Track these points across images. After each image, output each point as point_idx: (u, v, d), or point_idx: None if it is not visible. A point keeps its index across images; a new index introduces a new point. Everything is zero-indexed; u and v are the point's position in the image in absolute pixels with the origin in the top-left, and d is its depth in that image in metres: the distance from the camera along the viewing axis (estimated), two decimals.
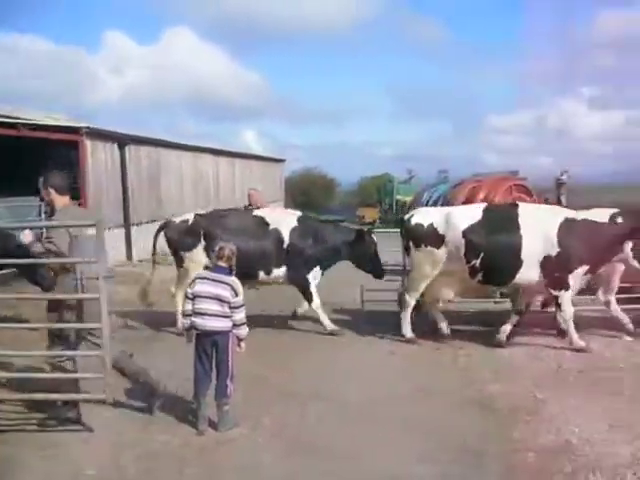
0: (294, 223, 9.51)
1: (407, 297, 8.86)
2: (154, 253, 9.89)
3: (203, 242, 9.26)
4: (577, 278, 8.26)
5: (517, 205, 8.75)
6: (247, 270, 8.69)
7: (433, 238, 8.57)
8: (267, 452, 5.33)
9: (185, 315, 5.87)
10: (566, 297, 8.29)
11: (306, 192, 41.36)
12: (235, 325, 5.76)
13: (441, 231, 8.56)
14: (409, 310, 8.87)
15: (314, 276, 9.49)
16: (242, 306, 5.77)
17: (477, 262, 8.38)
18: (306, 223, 9.66)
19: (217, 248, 5.91)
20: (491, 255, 8.29)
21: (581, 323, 8.74)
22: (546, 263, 8.19)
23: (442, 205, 15.22)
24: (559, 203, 11.85)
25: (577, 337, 8.32)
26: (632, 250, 8.48)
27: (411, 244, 8.81)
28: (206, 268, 6.37)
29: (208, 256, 8.91)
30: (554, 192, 12.36)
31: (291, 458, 5.22)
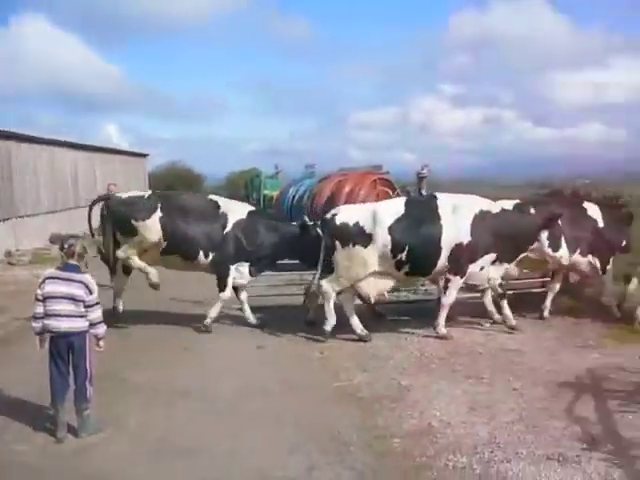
0: (243, 215, 9.50)
1: (328, 288, 8.69)
2: (91, 230, 9.80)
3: (160, 213, 9.15)
4: (486, 265, 8.65)
5: (436, 197, 8.91)
6: (189, 250, 9.14)
7: (361, 236, 8.52)
8: (132, 456, 5.14)
9: (36, 318, 5.49)
10: (457, 283, 8.62)
11: (171, 186, 40.37)
12: (92, 324, 5.50)
13: (368, 229, 8.52)
14: (331, 302, 8.73)
15: (240, 270, 9.39)
16: (98, 304, 5.52)
17: (403, 255, 8.45)
18: (254, 218, 9.60)
19: (67, 245, 5.56)
20: (415, 248, 8.39)
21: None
22: (456, 250, 8.46)
23: (308, 199, 15.45)
24: (420, 196, 12.24)
25: (443, 325, 8.67)
26: (548, 239, 9.11)
27: (337, 243, 8.65)
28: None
29: (163, 231, 9.01)
30: (415, 186, 12.77)
31: (158, 461, 5.05)
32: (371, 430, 5.57)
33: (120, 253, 9.15)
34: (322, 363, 7.70)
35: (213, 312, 9.32)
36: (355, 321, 8.72)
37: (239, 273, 9.41)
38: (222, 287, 9.37)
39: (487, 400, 6.18)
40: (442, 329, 8.63)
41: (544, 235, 9.09)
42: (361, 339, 8.58)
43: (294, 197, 17.00)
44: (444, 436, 5.38)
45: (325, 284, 8.66)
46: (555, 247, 9.34)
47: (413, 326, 9.13)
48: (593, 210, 9.79)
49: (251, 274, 9.52)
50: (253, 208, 10.18)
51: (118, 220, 9.22)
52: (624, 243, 9.87)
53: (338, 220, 8.66)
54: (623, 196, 12.54)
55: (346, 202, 12.33)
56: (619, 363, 7.31)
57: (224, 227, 9.33)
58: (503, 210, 8.86)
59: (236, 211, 9.56)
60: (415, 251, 8.40)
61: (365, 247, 8.46)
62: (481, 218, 8.56)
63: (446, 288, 8.66)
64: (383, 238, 8.41)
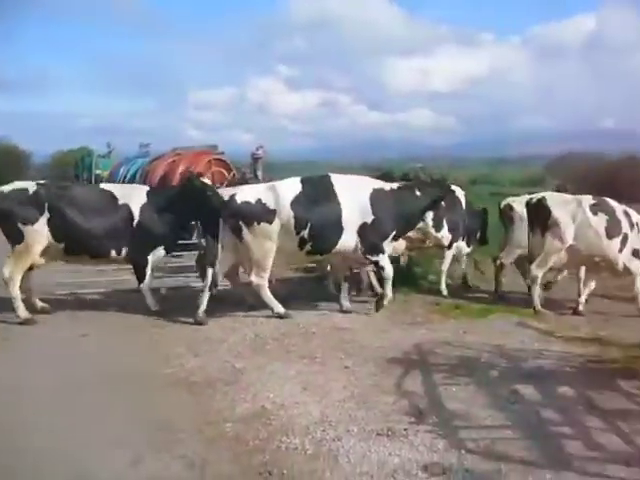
0: (144, 198, 8.89)
1: (259, 280, 8.55)
2: None
3: (47, 214, 8.35)
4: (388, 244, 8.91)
5: (329, 176, 8.88)
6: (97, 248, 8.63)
7: (265, 214, 8.36)
8: None
9: None
10: (386, 259, 8.81)
11: None
12: None
13: (271, 206, 8.38)
14: (268, 293, 8.64)
15: (157, 255, 8.95)
16: None
17: (305, 233, 8.45)
18: (155, 197, 9.01)
19: None
20: (316, 226, 8.43)
21: (280, 291, 9.10)
22: (363, 229, 8.61)
23: (140, 178, 14.89)
24: (255, 177, 12.15)
25: (391, 294, 8.89)
26: (433, 220, 9.59)
27: (241, 223, 8.39)
28: None
29: (52, 232, 8.31)
30: (251, 167, 12.65)
31: None
32: (203, 416, 5.38)
33: (4, 271, 8.29)
34: (152, 349, 7.37)
35: (150, 303, 8.89)
36: (271, 298, 8.68)
37: (156, 258, 8.97)
38: (142, 277, 8.88)
39: (320, 379, 6.19)
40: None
41: (430, 215, 9.46)
42: (280, 316, 8.56)
43: (125, 177, 16.31)
44: (277, 418, 5.31)
45: (254, 278, 8.53)
46: (438, 227, 9.85)
47: (247, 308, 9.01)
48: (459, 193, 10.54)
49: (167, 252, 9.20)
50: (148, 187, 9.71)
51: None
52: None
53: (239, 199, 8.46)
54: (448, 179, 13.17)
55: (181, 182, 11.96)
56: (445, 338, 7.65)
57: (131, 218, 8.74)
58: (394, 189, 9.08)
59: (135, 196, 8.94)
60: (317, 229, 8.47)
61: (270, 223, 8.39)
62: (376, 196, 8.76)
63: (380, 268, 8.84)
64: (286, 215, 8.40)
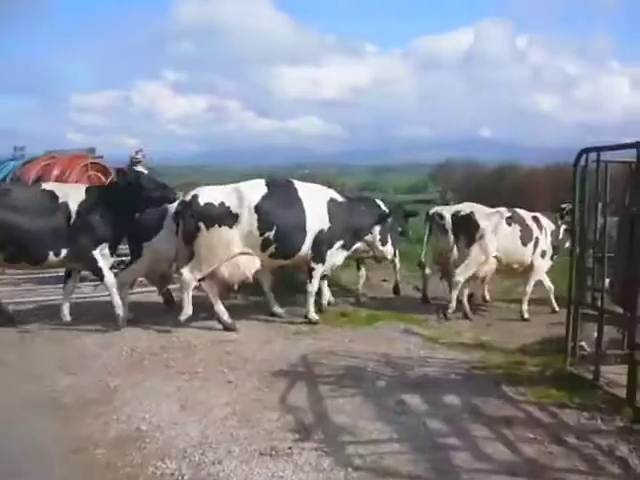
0: (82, 195, 8.32)
1: (190, 277, 8.24)
2: None
3: None
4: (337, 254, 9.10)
5: (292, 182, 8.98)
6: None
7: (227, 217, 8.25)
8: None
9: None
10: (319, 271, 8.89)
11: None
12: None
13: (234, 209, 8.26)
14: (190, 291, 8.31)
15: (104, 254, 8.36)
16: None
17: (270, 235, 8.41)
18: (94, 193, 8.46)
19: None
20: (282, 229, 8.43)
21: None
22: (318, 236, 8.69)
23: (12, 181, 13.94)
24: None
25: (313, 311, 8.90)
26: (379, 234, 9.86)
27: (201, 225, 8.16)
28: None
29: None
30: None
31: None
32: (72, 442, 4.92)
33: None
34: (18, 368, 6.76)
35: (116, 303, 8.23)
36: (220, 308, 8.49)
37: (104, 257, 8.36)
38: (100, 275, 8.31)
39: (201, 396, 5.85)
40: (313, 315, 8.85)
41: (377, 228, 9.76)
42: (227, 328, 8.36)
43: None
44: (153, 440, 4.93)
45: (186, 273, 8.24)
46: (384, 241, 10.02)
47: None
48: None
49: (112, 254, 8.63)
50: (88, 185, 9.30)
51: None
52: None
53: (201, 201, 8.29)
54: (336, 186, 13.15)
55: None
56: (330, 347, 7.50)
57: (69, 217, 8.15)
58: (347, 200, 9.35)
59: (73, 194, 8.32)
60: (281, 232, 8.46)
61: (231, 228, 8.29)
62: (332, 206, 8.91)
63: (311, 277, 8.83)
64: (250, 217, 8.32)
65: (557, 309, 9.90)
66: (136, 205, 8.49)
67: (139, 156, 11.74)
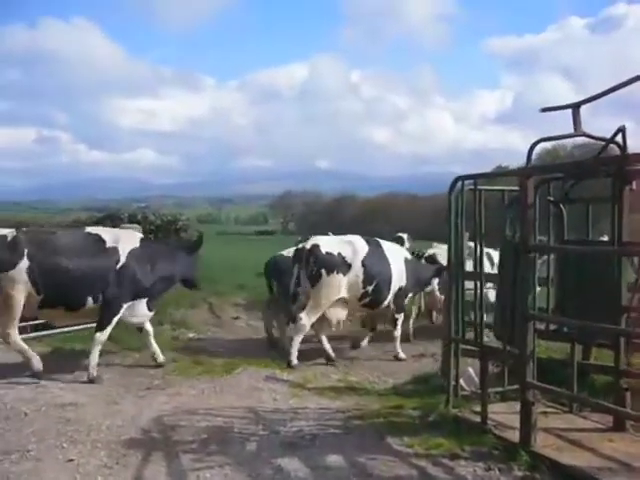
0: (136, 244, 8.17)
1: (307, 320, 8.94)
2: None
3: (27, 261, 7.39)
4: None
5: (379, 241, 9.96)
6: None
7: (343, 265, 9.23)
8: None
9: None
10: (401, 319, 10.15)
11: None
12: None
13: (349, 260, 9.25)
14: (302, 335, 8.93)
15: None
16: None
17: (370, 288, 9.38)
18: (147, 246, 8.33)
19: None
20: (379, 283, 9.47)
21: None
22: (398, 292, 9.87)
23: None
24: None
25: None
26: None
27: (322, 271, 9.03)
28: None
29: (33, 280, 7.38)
30: None
31: None
32: None
33: None
34: None
35: (93, 359, 7.68)
36: (327, 345, 9.34)
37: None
38: (104, 327, 7.84)
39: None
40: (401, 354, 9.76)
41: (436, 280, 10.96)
42: (329, 359, 9.18)
43: None
44: None
45: (304, 317, 8.84)
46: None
47: None
48: None
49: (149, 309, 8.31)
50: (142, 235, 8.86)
51: None
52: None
53: (323, 250, 9.05)
54: (181, 219, 12.27)
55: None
56: (189, 404, 6.56)
57: (116, 262, 7.86)
58: (415, 258, 10.73)
59: (126, 241, 8.09)
60: (378, 286, 9.41)
61: (344, 276, 9.12)
62: (407, 264, 10.00)
63: (395, 324, 10.01)
64: (359, 269, 9.22)
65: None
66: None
67: None
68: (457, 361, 6.03)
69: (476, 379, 6.65)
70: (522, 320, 5.05)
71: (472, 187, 5.71)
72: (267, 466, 4.95)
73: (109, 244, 7.90)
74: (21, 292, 7.37)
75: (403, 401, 6.57)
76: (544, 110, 5.22)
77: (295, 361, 8.67)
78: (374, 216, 73.14)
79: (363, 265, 9.23)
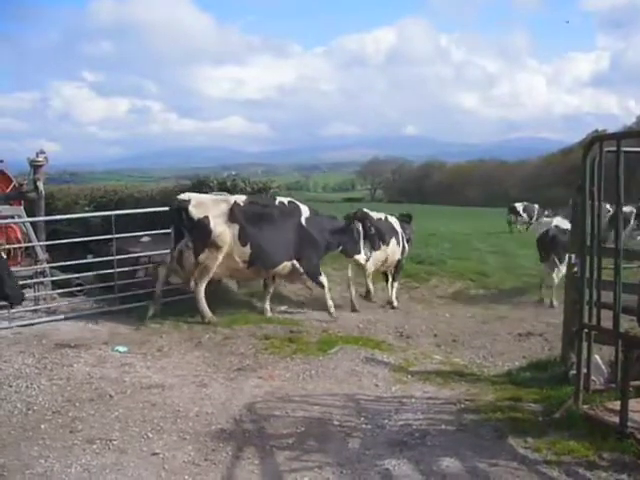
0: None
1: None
2: None
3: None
4: None
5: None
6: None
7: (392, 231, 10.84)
8: None
9: None
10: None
11: None
12: None
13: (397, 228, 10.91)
14: None
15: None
16: None
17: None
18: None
19: None
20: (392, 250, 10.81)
21: None
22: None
23: None
24: (36, 189, 9.80)
25: None
26: None
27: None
28: None
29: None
30: (28, 176, 10.26)
31: None
32: None
33: None
34: None
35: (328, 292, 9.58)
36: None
37: None
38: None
39: None
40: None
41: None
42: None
43: None
44: None
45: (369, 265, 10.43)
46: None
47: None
48: None
49: None
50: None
51: None
52: None
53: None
54: (272, 186, 11.77)
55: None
56: (283, 389, 6.04)
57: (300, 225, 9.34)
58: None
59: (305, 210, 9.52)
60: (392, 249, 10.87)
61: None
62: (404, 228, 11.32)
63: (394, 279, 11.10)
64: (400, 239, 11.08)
65: None
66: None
67: (40, 158, 10.03)
68: (590, 351, 5.19)
69: (604, 368, 5.83)
70: None
71: (613, 149, 4.82)
72: (372, 469, 4.35)
73: None
74: None
75: (521, 392, 5.84)
76: None
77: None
78: (463, 182, 71.31)
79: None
